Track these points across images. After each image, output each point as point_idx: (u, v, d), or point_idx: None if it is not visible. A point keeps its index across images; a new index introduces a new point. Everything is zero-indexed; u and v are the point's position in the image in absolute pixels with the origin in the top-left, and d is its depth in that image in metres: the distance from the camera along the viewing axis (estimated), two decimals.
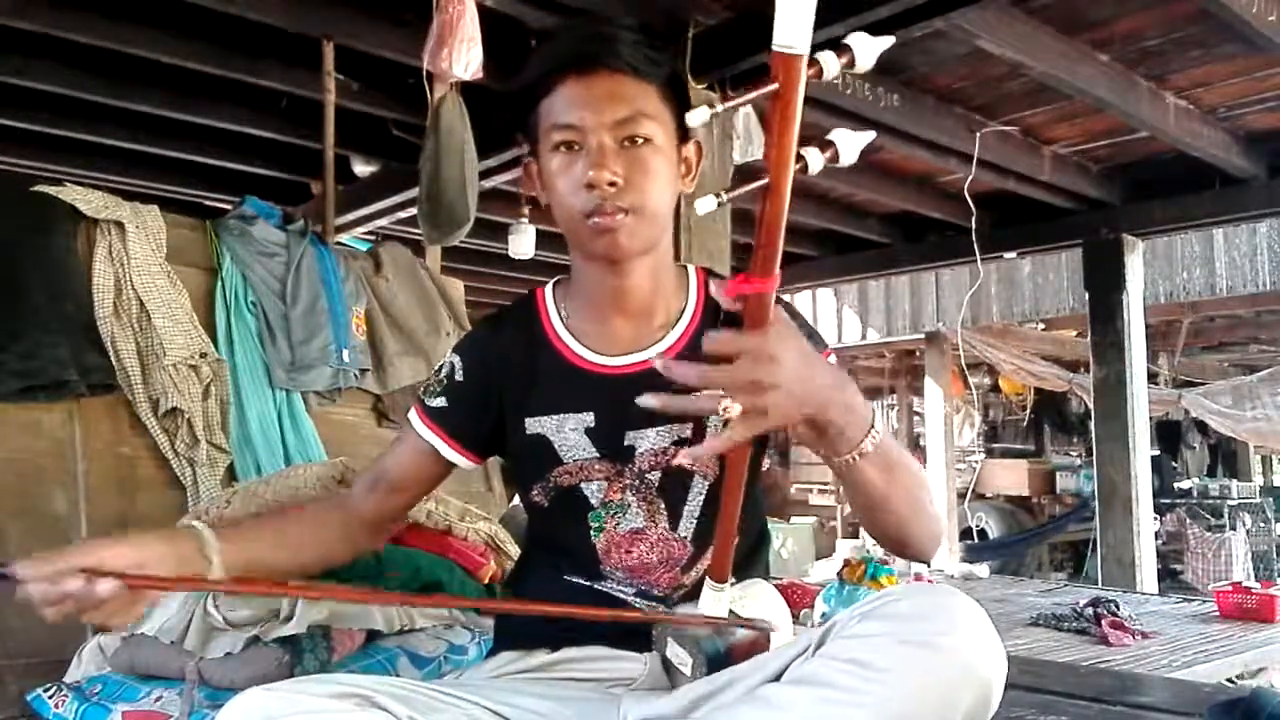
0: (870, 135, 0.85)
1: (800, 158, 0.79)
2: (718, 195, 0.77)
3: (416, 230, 3.27)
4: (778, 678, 0.91)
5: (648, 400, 0.85)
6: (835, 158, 0.82)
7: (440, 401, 1.19)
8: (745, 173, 3.47)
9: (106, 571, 0.93)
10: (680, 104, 1.12)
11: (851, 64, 0.78)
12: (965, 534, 9.25)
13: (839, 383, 0.89)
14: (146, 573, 0.96)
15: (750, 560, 1.19)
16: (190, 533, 1.05)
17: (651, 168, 1.07)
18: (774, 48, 0.70)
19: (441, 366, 1.21)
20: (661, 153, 1.08)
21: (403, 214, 4.96)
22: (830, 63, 0.76)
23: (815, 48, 0.73)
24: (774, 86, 0.73)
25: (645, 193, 1.06)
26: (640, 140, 1.06)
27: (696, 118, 0.74)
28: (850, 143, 0.83)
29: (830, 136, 0.83)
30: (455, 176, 3.00)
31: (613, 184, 1.04)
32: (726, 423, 0.84)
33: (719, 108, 0.75)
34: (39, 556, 0.93)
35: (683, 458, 1.04)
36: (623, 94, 1.07)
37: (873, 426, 0.91)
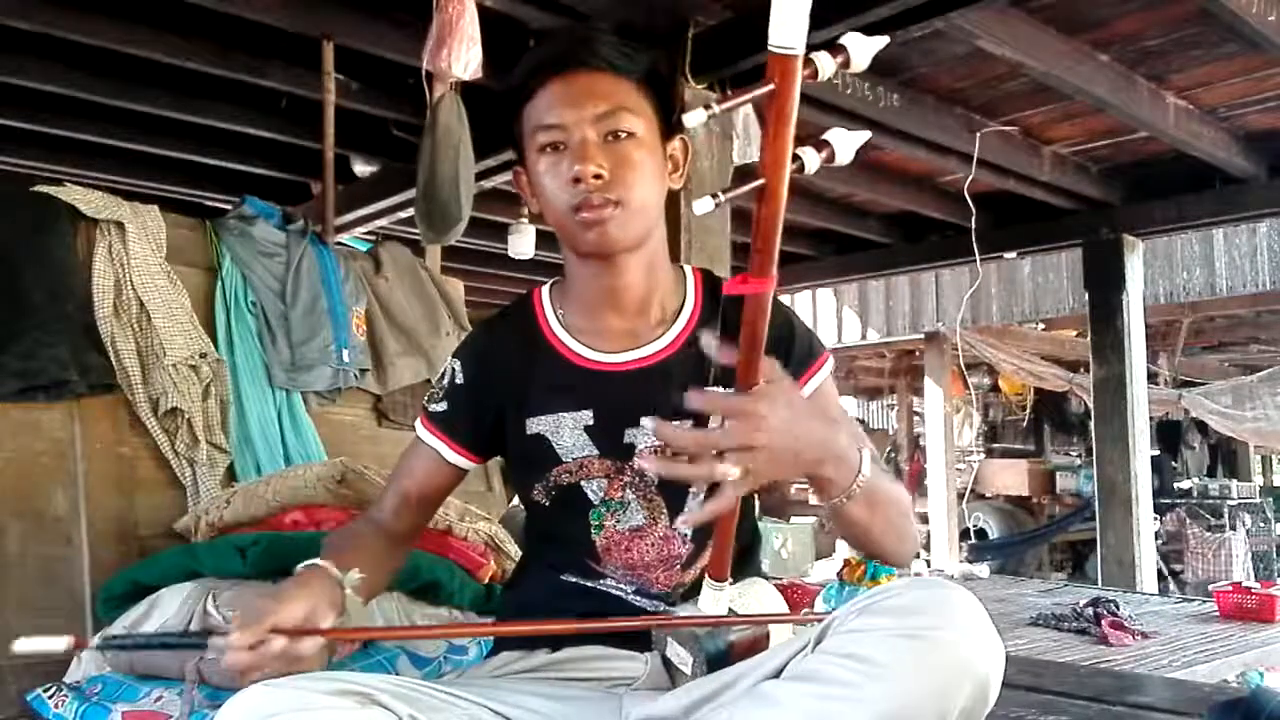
0: (866, 135, 0.84)
1: (796, 158, 0.78)
2: (714, 195, 0.76)
3: (416, 230, 3.27)
4: (778, 674, 0.91)
5: (650, 424, 0.88)
6: (831, 158, 0.82)
7: (441, 406, 1.21)
8: (745, 173, 3.47)
9: (309, 630, 0.95)
10: (662, 100, 1.13)
11: (847, 64, 0.77)
12: (965, 534, 9.24)
13: (829, 435, 0.91)
14: (313, 623, 0.96)
15: (744, 561, 1.19)
16: (327, 574, 1.04)
17: (636, 161, 1.08)
18: (770, 48, 0.70)
19: (444, 373, 1.23)
20: (645, 146, 1.10)
21: (403, 214, 4.95)
22: (826, 63, 0.75)
23: (814, 48, 0.73)
24: (770, 87, 0.72)
25: (631, 185, 1.07)
26: (623, 134, 1.08)
27: (693, 119, 0.74)
28: (846, 142, 0.82)
29: (826, 136, 0.82)
30: (450, 175, 3.00)
31: (598, 176, 1.05)
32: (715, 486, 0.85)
33: (716, 109, 0.74)
34: (232, 627, 0.92)
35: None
36: (602, 90, 1.08)
37: (859, 471, 0.93)
